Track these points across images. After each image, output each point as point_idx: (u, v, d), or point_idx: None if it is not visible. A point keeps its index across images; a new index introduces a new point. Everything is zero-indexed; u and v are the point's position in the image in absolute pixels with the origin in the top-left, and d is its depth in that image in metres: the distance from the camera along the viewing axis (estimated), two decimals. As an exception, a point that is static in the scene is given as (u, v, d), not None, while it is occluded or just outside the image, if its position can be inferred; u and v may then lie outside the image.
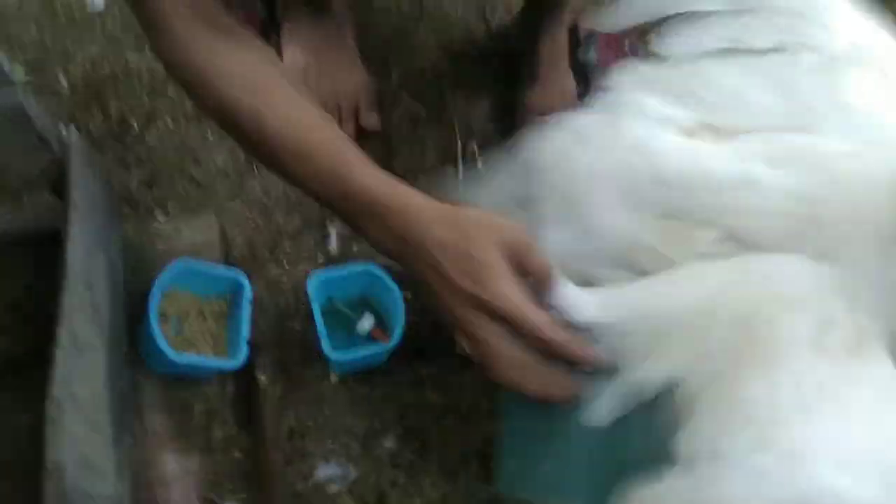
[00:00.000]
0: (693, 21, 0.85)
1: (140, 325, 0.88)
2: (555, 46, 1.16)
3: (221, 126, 0.71)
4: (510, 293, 0.61)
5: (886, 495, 0.55)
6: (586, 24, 1.28)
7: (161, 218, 1.01)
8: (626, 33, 1.27)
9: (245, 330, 0.88)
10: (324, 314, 0.92)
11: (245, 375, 0.91)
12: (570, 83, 1.18)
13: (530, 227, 0.69)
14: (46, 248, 0.82)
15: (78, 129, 1.06)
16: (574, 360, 0.64)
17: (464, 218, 0.64)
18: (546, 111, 1.15)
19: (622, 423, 0.65)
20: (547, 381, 0.64)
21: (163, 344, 0.82)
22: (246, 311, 0.89)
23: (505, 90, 1.22)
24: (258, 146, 0.68)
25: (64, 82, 1.11)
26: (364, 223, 0.67)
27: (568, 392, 0.65)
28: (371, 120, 1.12)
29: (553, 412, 0.66)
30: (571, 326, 0.65)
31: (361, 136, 1.13)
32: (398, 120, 1.16)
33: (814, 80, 0.77)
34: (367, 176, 0.67)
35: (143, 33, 0.70)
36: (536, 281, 0.65)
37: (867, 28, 0.82)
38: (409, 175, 1.10)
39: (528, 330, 0.62)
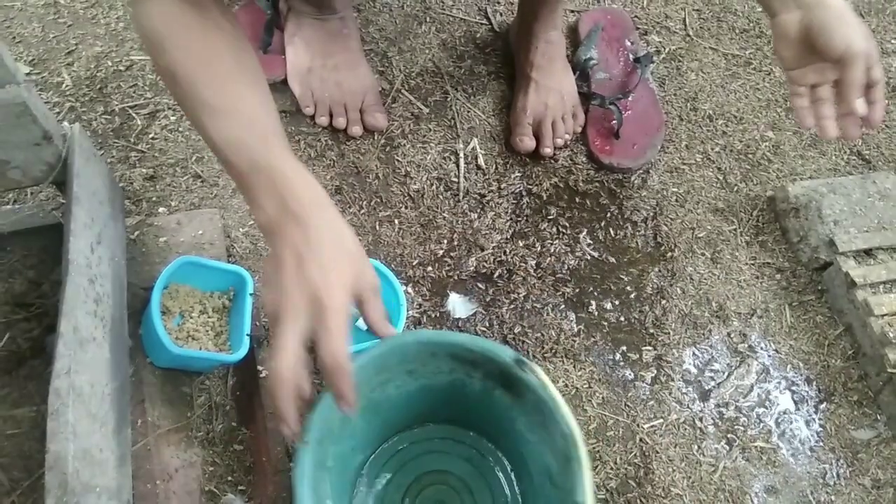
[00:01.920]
0: None
1: (142, 318, 0.88)
2: (549, 48, 1.16)
3: (166, 85, 0.73)
4: (343, 312, 0.61)
5: None
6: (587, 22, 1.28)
7: (163, 213, 1.02)
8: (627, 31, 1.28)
9: (247, 324, 0.88)
10: (324, 309, 0.93)
11: (246, 369, 0.92)
12: (567, 83, 1.19)
13: None
14: (50, 243, 0.83)
15: (81, 125, 1.07)
16: (337, 392, 0.63)
17: (352, 236, 0.65)
18: (539, 112, 1.15)
19: None
20: (289, 408, 0.62)
21: (165, 337, 0.82)
22: (248, 306, 0.89)
23: (507, 88, 1.22)
24: (189, 105, 0.69)
25: (67, 79, 1.12)
26: (259, 193, 0.65)
27: (292, 430, 0.63)
28: (378, 121, 1.13)
29: None
30: None
31: (365, 134, 1.14)
32: (400, 117, 1.17)
33: None
34: (279, 154, 0.66)
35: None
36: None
37: None
38: (410, 171, 1.12)
39: (329, 334, 0.60)
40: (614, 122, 1.17)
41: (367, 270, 0.66)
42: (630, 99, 1.20)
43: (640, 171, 1.18)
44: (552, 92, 1.16)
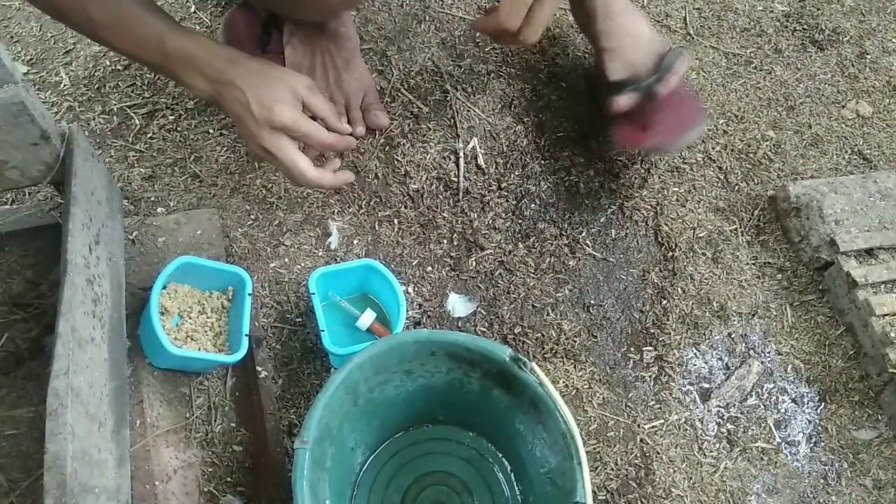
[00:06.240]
0: None
1: (141, 318, 0.88)
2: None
3: (50, 13, 0.84)
4: (294, 114, 0.83)
5: None
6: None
7: (162, 213, 1.02)
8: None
9: (245, 324, 0.88)
10: (324, 309, 0.93)
11: (245, 369, 0.91)
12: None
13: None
14: (48, 243, 0.83)
15: (79, 124, 1.07)
16: (344, 148, 0.94)
17: (266, 68, 0.83)
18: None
19: None
20: (334, 175, 0.91)
21: (163, 338, 0.82)
22: (246, 306, 0.89)
23: (507, 87, 1.22)
24: (87, 29, 0.81)
25: (66, 78, 1.11)
26: (186, 77, 0.82)
27: (347, 177, 0.95)
28: (380, 119, 1.12)
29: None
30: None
31: (367, 133, 1.13)
32: (399, 116, 1.16)
33: None
34: (179, 37, 0.80)
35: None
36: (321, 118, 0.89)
37: None
38: (410, 171, 1.11)
39: (310, 134, 0.85)
40: (647, 106, 1.07)
41: (291, 80, 0.85)
42: (662, 84, 1.07)
43: (641, 171, 1.18)
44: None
